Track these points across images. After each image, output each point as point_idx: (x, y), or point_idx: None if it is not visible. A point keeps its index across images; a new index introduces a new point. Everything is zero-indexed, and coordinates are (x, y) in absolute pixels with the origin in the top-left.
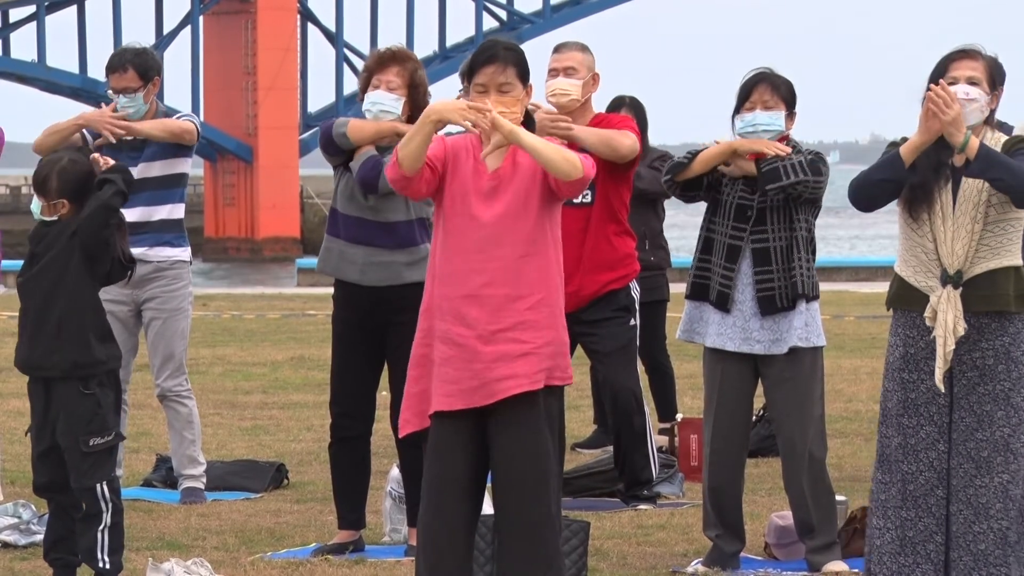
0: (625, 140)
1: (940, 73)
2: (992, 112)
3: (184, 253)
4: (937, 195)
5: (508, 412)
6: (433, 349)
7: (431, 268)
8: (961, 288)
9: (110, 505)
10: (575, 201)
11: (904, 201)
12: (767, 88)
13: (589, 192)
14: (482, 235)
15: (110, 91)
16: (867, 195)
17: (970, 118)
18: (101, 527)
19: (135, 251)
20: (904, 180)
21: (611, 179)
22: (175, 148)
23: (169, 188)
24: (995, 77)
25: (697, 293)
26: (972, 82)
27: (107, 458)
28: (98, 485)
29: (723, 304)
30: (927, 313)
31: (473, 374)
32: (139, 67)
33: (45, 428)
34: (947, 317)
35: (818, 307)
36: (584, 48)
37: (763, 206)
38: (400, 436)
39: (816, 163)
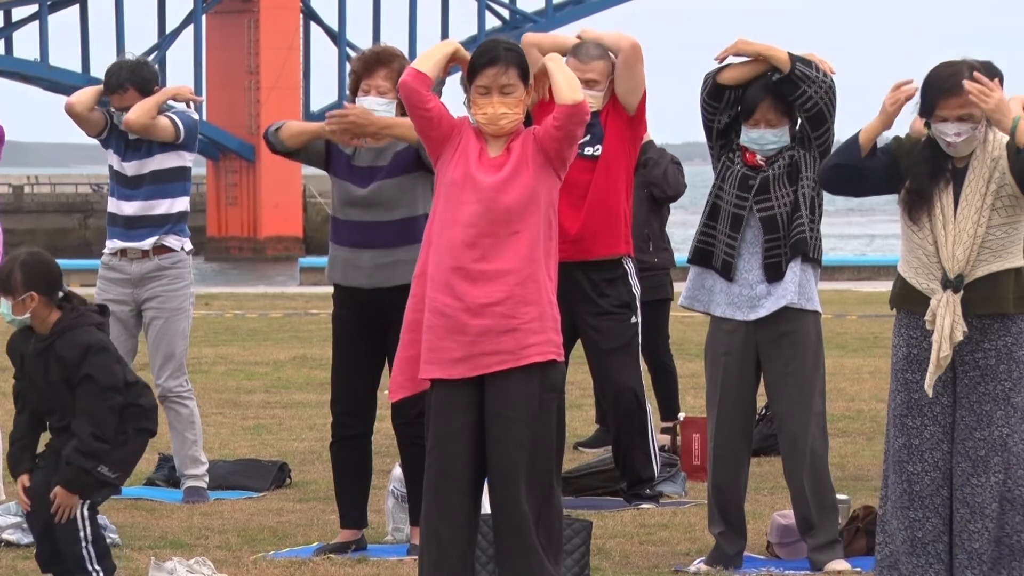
0: (622, 41)
1: (928, 111)
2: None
3: (179, 242)
4: (937, 199)
5: (504, 384)
6: (424, 316)
7: (427, 234)
8: (962, 292)
9: (87, 523)
10: (583, 153)
11: (902, 205)
12: (770, 107)
13: (600, 145)
14: (478, 209)
15: (112, 109)
16: (825, 178)
17: (967, 148)
18: (84, 545)
19: (134, 244)
20: (861, 166)
21: (623, 128)
22: (173, 143)
23: (169, 183)
24: None
25: (700, 258)
26: (962, 119)
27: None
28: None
29: (727, 273)
30: (927, 316)
31: (457, 345)
32: (138, 84)
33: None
34: (945, 322)
35: (817, 274)
36: (604, 55)
37: (766, 175)
38: (392, 401)
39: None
